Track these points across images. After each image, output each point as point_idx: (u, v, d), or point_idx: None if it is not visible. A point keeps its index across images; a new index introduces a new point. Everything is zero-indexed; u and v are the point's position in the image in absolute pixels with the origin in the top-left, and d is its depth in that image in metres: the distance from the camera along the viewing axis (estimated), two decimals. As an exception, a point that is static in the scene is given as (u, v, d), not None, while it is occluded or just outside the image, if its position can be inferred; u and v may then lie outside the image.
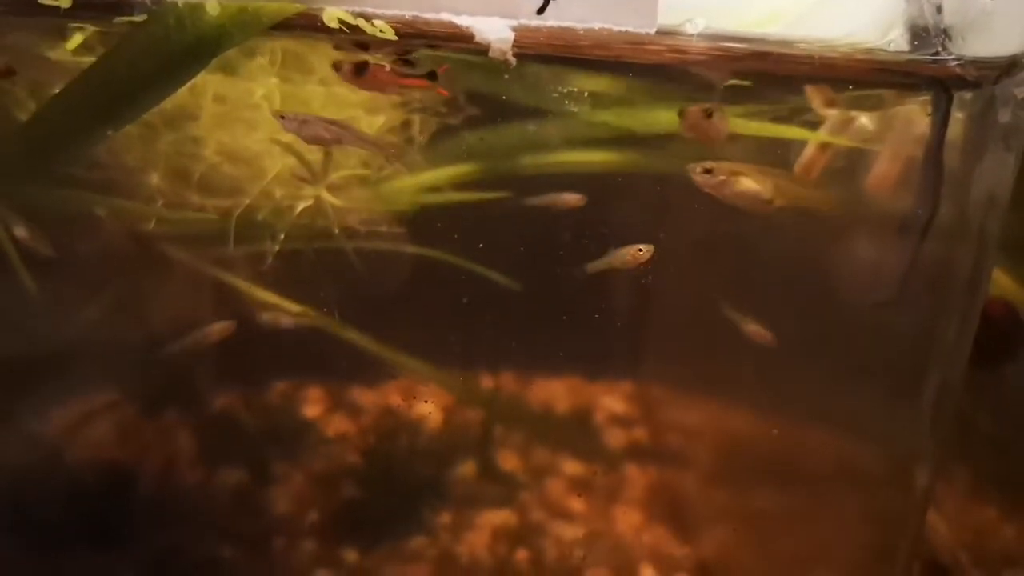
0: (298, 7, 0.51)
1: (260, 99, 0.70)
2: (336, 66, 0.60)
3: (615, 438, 0.87)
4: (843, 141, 0.67)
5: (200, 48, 0.53)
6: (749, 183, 0.63)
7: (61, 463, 0.78)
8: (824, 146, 0.68)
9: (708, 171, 0.62)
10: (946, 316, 0.69)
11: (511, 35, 0.51)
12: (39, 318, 0.73)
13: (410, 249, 0.73)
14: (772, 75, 0.60)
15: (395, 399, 0.81)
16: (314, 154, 0.72)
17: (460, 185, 0.74)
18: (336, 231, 0.73)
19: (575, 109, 0.66)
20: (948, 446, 0.77)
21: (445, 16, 0.49)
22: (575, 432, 0.87)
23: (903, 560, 0.77)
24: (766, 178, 0.64)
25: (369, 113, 0.73)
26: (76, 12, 0.54)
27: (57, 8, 0.51)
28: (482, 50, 0.52)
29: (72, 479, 0.77)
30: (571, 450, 0.85)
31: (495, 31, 0.50)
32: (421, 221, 0.74)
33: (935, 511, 0.90)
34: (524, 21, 0.49)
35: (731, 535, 0.84)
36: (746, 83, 0.60)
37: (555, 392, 0.87)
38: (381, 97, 0.72)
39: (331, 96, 0.72)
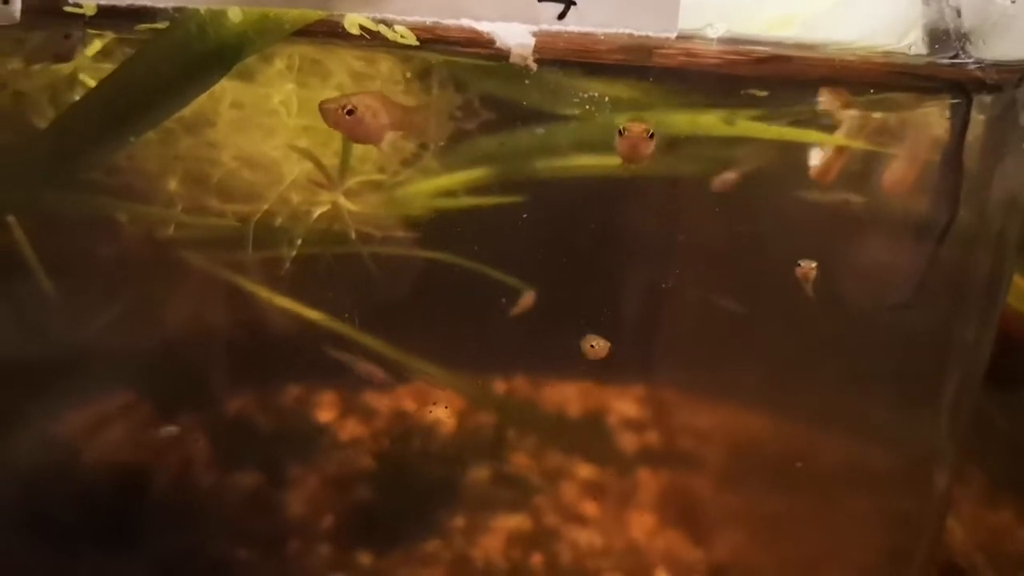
0: (320, 13, 0.51)
1: (278, 104, 0.71)
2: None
3: (628, 441, 0.87)
4: (860, 144, 0.67)
5: (222, 55, 0.53)
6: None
7: (76, 465, 0.78)
8: (840, 148, 0.68)
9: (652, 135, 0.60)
10: (965, 319, 0.69)
11: (532, 41, 0.51)
12: (57, 321, 0.73)
13: (425, 253, 0.73)
14: (791, 79, 0.59)
15: (409, 403, 0.81)
16: (331, 159, 0.72)
17: (475, 189, 0.74)
18: (352, 236, 0.73)
19: (592, 112, 0.66)
20: (965, 449, 0.77)
21: (466, 22, 0.49)
22: (588, 435, 0.87)
23: (921, 563, 0.77)
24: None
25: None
26: (98, 19, 0.54)
27: (82, 16, 0.51)
28: (503, 55, 0.52)
29: (86, 482, 0.78)
30: (584, 454, 0.85)
31: (515, 37, 0.50)
32: (436, 225, 0.74)
33: (951, 514, 0.90)
34: (545, 26, 0.49)
35: (746, 539, 0.84)
36: (763, 93, 0.60)
37: (567, 395, 0.87)
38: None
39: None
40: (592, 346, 0.69)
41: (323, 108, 0.58)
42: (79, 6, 0.51)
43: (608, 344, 0.69)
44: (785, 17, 0.61)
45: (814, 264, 0.67)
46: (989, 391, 0.73)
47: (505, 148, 0.73)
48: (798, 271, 0.67)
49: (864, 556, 0.79)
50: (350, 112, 0.57)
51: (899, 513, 0.77)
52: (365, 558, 0.79)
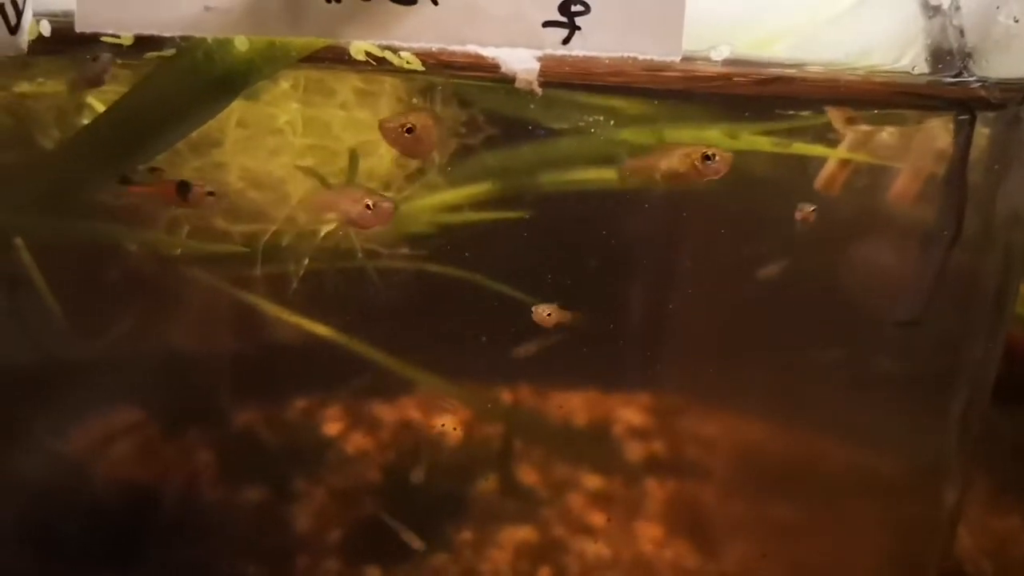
0: (326, 40, 0.51)
1: (283, 124, 0.71)
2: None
3: (634, 451, 0.87)
4: (863, 157, 0.67)
5: (229, 82, 0.53)
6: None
7: (83, 481, 0.78)
8: (844, 161, 0.68)
9: (710, 157, 0.61)
10: (973, 332, 0.69)
11: (536, 66, 0.51)
12: (63, 337, 0.73)
13: (430, 268, 0.73)
14: (794, 98, 0.60)
15: (415, 416, 0.81)
16: (336, 178, 0.72)
17: (479, 204, 0.74)
18: (359, 253, 0.73)
19: (596, 126, 0.66)
20: (972, 456, 0.77)
21: (471, 48, 0.49)
22: (595, 446, 0.87)
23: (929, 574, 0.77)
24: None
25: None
26: (104, 47, 0.54)
27: (101, 42, 0.52)
28: (508, 80, 0.52)
29: (93, 497, 0.78)
30: (591, 464, 0.85)
31: (520, 62, 0.50)
32: (441, 240, 0.74)
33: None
34: (549, 51, 0.49)
35: (755, 549, 0.84)
36: (767, 109, 0.60)
37: (573, 406, 0.87)
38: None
39: (351, 120, 0.72)
40: (548, 315, 0.69)
41: (384, 127, 0.59)
42: (98, 35, 0.51)
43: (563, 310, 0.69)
44: (781, 31, 0.61)
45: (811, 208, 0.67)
46: (996, 399, 0.73)
47: (509, 162, 0.73)
48: (798, 215, 0.68)
49: (872, 567, 0.79)
50: (409, 131, 0.58)
51: (908, 525, 0.77)
52: (373, 572, 0.79)
